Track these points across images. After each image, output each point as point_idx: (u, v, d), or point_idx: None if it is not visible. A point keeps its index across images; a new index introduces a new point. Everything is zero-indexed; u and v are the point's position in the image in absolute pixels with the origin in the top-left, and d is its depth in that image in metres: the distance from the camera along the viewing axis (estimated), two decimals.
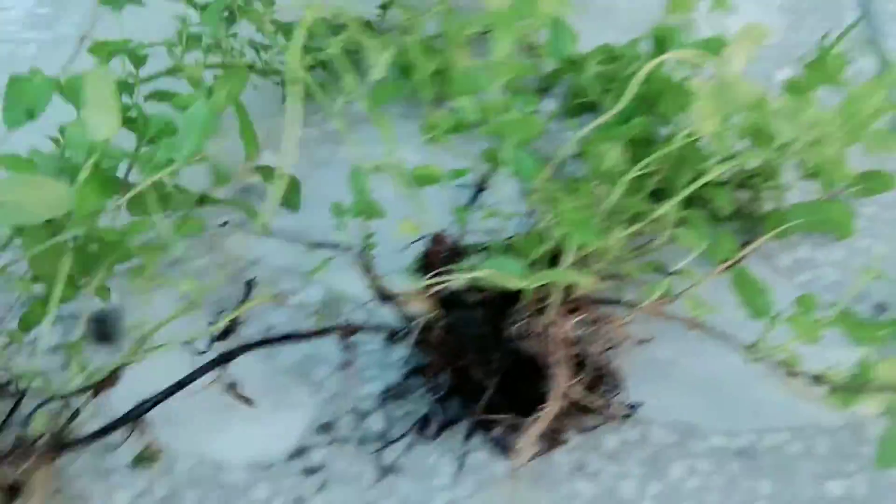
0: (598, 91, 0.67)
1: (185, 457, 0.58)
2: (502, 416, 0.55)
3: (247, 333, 0.61)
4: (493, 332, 0.53)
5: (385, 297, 0.58)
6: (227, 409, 0.59)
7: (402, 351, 0.61)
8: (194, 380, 0.47)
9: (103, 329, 0.60)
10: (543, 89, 0.74)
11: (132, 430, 0.46)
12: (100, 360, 0.55)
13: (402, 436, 0.57)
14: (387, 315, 0.58)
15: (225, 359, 0.48)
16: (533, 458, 0.57)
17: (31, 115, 0.52)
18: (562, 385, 0.48)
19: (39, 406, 0.46)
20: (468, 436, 0.59)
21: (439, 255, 0.54)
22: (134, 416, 0.46)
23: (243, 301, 0.53)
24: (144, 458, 0.46)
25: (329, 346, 0.62)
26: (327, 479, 0.57)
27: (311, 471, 0.57)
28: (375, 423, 0.59)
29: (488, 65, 0.58)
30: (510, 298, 0.53)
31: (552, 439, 0.57)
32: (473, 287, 0.53)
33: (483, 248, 0.54)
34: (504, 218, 0.59)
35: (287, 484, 0.57)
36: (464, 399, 0.57)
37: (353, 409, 0.60)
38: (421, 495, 0.57)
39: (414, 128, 0.64)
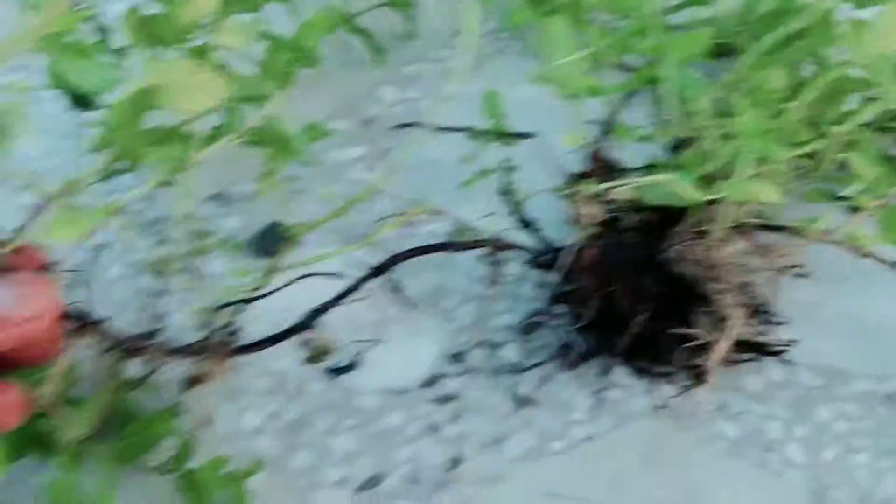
0: (734, 31, 0.65)
1: (314, 381, 0.56)
2: (649, 348, 0.53)
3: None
4: (647, 257, 0.51)
5: (526, 222, 0.56)
6: (359, 335, 0.58)
7: (533, 285, 0.60)
8: (360, 287, 0.45)
9: (265, 243, 0.59)
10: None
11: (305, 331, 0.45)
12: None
13: (540, 364, 0.55)
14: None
15: (386, 266, 0.46)
16: (675, 396, 0.56)
17: None
18: (733, 315, 0.45)
19: (219, 308, 0.46)
20: (605, 371, 0.57)
21: (595, 173, 0.52)
22: (308, 323, 0.44)
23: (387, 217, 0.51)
24: (319, 353, 0.45)
25: (458, 278, 0.60)
26: (461, 408, 0.55)
27: (444, 399, 0.56)
28: (509, 354, 0.58)
29: None
30: (667, 222, 0.51)
31: (696, 376, 0.55)
32: (630, 209, 0.51)
33: (641, 168, 0.52)
34: (656, 139, 0.57)
35: (421, 411, 0.55)
36: (606, 330, 0.55)
37: (484, 341, 0.58)
38: (558, 428, 0.55)
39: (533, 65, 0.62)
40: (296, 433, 0.54)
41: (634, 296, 0.52)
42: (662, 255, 0.51)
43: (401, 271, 0.60)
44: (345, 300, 0.45)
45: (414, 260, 0.60)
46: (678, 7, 0.70)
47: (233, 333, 0.46)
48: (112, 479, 0.48)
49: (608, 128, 0.65)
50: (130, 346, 0.38)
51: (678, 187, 0.45)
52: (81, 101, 0.42)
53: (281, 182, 0.53)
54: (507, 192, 0.55)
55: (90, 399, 0.47)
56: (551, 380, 0.57)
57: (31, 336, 0.34)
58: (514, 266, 0.61)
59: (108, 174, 0.42)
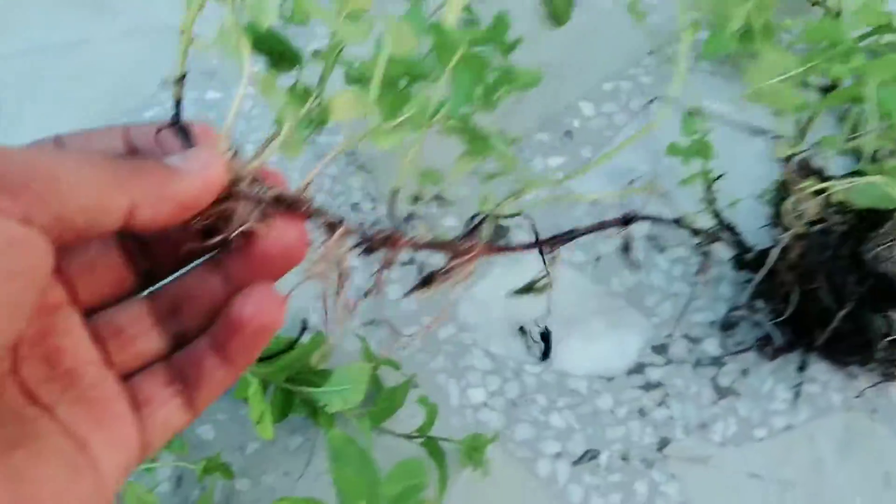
0: None
1: (529, 364, 0.63)
2: (847, 343, 0.57)
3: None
4: (850, 257, 0.55)
5: (726, 226, 0.61)
6: (567, 325, 0.64)
7: (730, 285, 0.65)
8: (608, 226, 0.50)
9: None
10: None
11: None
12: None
13: (740, 353, 0.60)
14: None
15: (629, 219, 0.50)
16: (870, 387, 0.59)
17: None
18: None
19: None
20: (803, 365, 0.61)
21: (800, 181, 0.56)
22: (564, 238, 0.48)
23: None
24: (539, 286, 0.50)
25: (658, 277, 0.66)
26: (667, 395, 0.61)
27: (650, 386, 0.61)
28: (709, 348, 0.63)
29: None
30: (869, 225, 0.55)
31: (892, 371, 0.58)
32: (835, 212, 0.55)
33: (847, 175, 0.56)
34: (854, 151, 0.61)
35: (628, 396, 0.61)
36: (805, 326, 0.59)
37: (686, 335, 0.63)
38: (758, 417, 0.59)
39: (721, 83, 0.67)
40: (516, 409, 0.61)
41: (836, 293, 0.56)
42: (865, 255, 0.54)
43: (606, 268, 0.67)
44: (589, 232, 0.49)
45: (615, 258, 0.67)
46: (869, 34, 0.73)
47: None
48: (368, 439, 0.56)
49: (800, 138, 0.69)
50: (380, 236, 0.37)
51: (890, 189, 0.49)
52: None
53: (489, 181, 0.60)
54: (709, 200, 0.60)
55: (356, 371, 0.56)
56: (751, 373, 0.61)
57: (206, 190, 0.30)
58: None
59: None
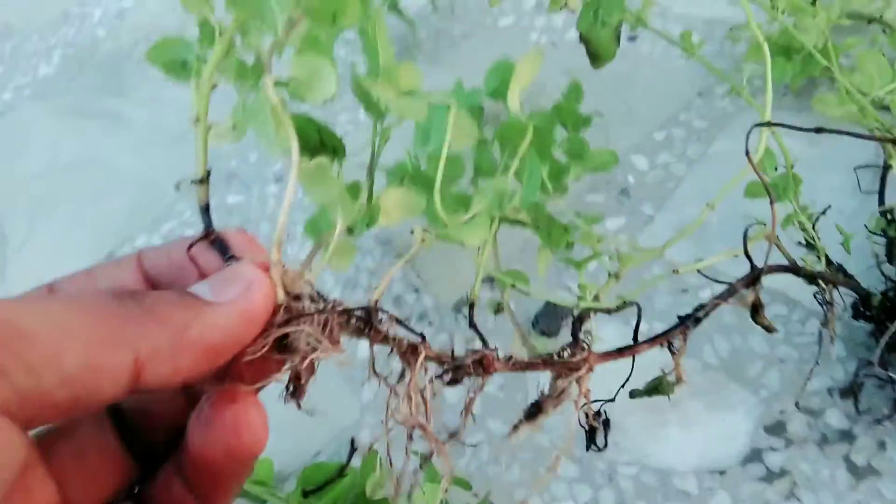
0: None
1: (623, 466, 0.54)
2: None
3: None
4: None
5: (840, 270, 0.52)
6: (659, 412, 0.55)
7: (843, 342, 0.55)
8: (735, 293, 0.41)
9: (545, 323, 0.59)
10: None
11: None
12: None
13: (876, 422, 0.50)
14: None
15: (755, 278, 0.42)
16: None
17: None
18: None
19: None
20: None
21: None
22: (686, 325, 0.40)
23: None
24: (665, 385, 0.41)
25: (757, 339, 0.57)
26: (795, 484, 0.51)
27: (773, 476, 0.51)
28: (832, 420, 0.53)
29: None
30: None
31: None
32: None
33: None
34: None
35: (749, 490, 0.51)
36: None
37: (802, 407, 0.53)
38: None
39: (784, 117, 0.60)
40: None
41: None
42: None
43: (694, 337, 0.57)
44: (716, 306, 0.41)
45: (709, 324, 0.58)
46: None
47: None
48: None
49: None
50: (471, 360, 0.30)
51: None
52: None
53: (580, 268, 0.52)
54: (813, 241, 0.52)
55: (425, 498, 0.47)
56: (889, 445, 0.51)
57: (240, 333, 0.23)
58: (812, 324, 0.57)
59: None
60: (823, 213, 0.51)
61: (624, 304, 0.43)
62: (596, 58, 0.49)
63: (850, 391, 0.52)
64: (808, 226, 0.51)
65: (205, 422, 0.24)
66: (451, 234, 0.37)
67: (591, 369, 0.35)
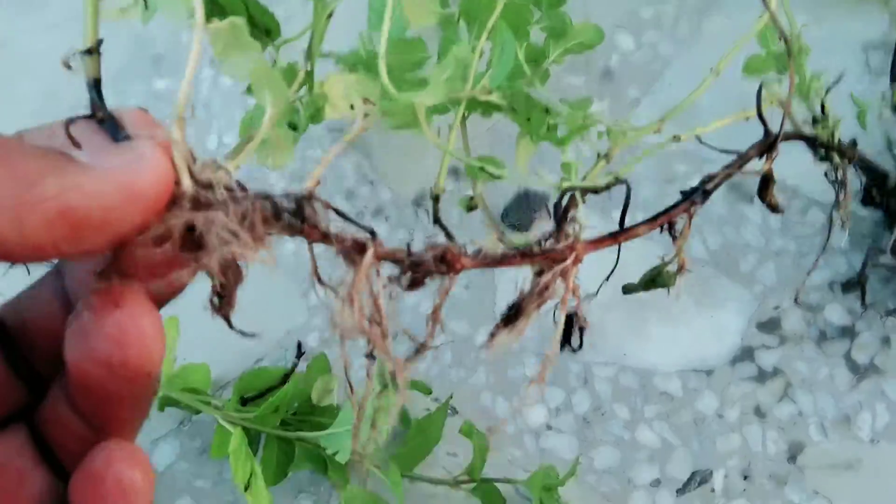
0: None
1: (600, 367, 0.48)
2: None
3: None
4: None
5: (853, 148, 0.46)
6: (640, 309, 0.49)
7: (848, 233, 0.50)
8: (748, 159, 0.35)
9: (517, 215, 0.53)
10: None
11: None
12: None
13: (882, 316, 0.45)
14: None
15: (771, 145, 0.36)
16: None
17: None
18: None
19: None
20: None
21: None
22: (689, 202, 0.34)
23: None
24: (666, 276, 0.35)
25: (751, 233, 0.51)
26: (789, 384, 0.46)
27: (765, 375, 0.46)
28: (832, 316, 0.47)
29: None
30: None
31: None
32: None
33: None
34: None
35: (739, 391, 0.46)
36: None
37: (800, 303, 0.48)
38: None
39: None
40: (591, 428, 0.46)
41: None
42: None
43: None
44: (726, 178, 0.34)
45: (698, 216, 0.52)
46: None
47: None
48: (398, 493, 0.41)
49: None
50: (432, 257, 0.25)
51: None
52: None
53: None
54: (822, 118, 0.45)
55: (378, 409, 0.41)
56: (894, 340, 0.46)
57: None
58: (814, 214, 0.51)
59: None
60: (837, 82, 0.45)
61: (615, 181, 0.37)
62: None
63: (855, 284, 0.47)
64: (820, 96, 0.45)
65: (81, 331, 0.19)
66: (402, 104, 0.30)
67: (578, 260, 0.29)
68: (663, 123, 0.42)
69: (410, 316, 0.51)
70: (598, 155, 0.40)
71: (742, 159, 0.33)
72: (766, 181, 0.36)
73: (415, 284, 0.26)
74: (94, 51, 0.22)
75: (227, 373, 0.50)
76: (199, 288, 0.22)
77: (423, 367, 0.49)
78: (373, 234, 0.23)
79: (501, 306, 0.50)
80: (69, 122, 0.20)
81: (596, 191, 0.37)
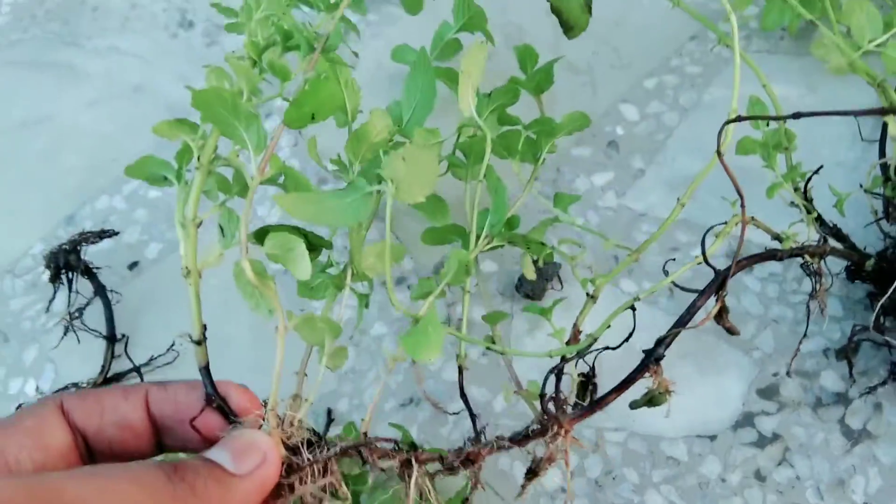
0: None
1: (611, 432, 0.52)
2: None
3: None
4: None
5: (832, 230, 0.49)
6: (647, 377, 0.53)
7: (840, 301, 0.53)
8: (698, 309, 0.40)
9: (528, 285, 0.56)
10: None
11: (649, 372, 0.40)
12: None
13: (872, 388, 0.48)
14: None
15: (721, 284, 0.41)
16: None
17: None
18: None
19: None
20: None
21: None
22: (653, 360, 0.39)
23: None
24: (658, 398, 0.40)
25: (750, 300, 0.54)
26: (787, 449, 0.49)
27: (765, 441, 0.49)
28: (828, 383, 0.51)
29: None
30: None
31: None
32: None
33: None
34: None
35: (740, 456, 0.49)
36: None
37: (796, 370, 0.51)
38: None
39: (783, 63, 0.56)
40: (603, 491, 0.49)
41: None
42: None
43: (684, 298, 0.55)
44: (686, 325, 0.40)
45: (700, 285, 0.55)
46: None
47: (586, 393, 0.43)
48: None
49: None
50: (456, 458, 0.35)
51: None
52: None
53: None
54: (806, 202, 0.49)
55: None
56: (885, 407, 0.49)
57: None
58: (807, 283, 0.55)
59: None
60: (816, 172, 0.48)
61: (587, 378, 0.44)
62: (569, 28, 0.46)
63: (843, 353, 0.50)
64: (801, 186, 0.48)
65: None
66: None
67: (567, 433, 0.38)
68: (639, 253, 0.45)
69: (434, 382, 0.55)
70: (588, 295, 0.45)
71: (691, 311, 0.40)
72: (721, 312, 0.41)
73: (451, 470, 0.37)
74: (201, 342, 0.29)
75: None
76: None
77: (444, 430, 0.53)
78: (416, 448, 0.33)
79: (517, 373, 0.54)
80: (200, 411, 0.29)
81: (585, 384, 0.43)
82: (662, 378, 0.40)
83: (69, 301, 0.58)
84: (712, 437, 0.50)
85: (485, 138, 0.43)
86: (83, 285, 0.59)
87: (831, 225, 0.50)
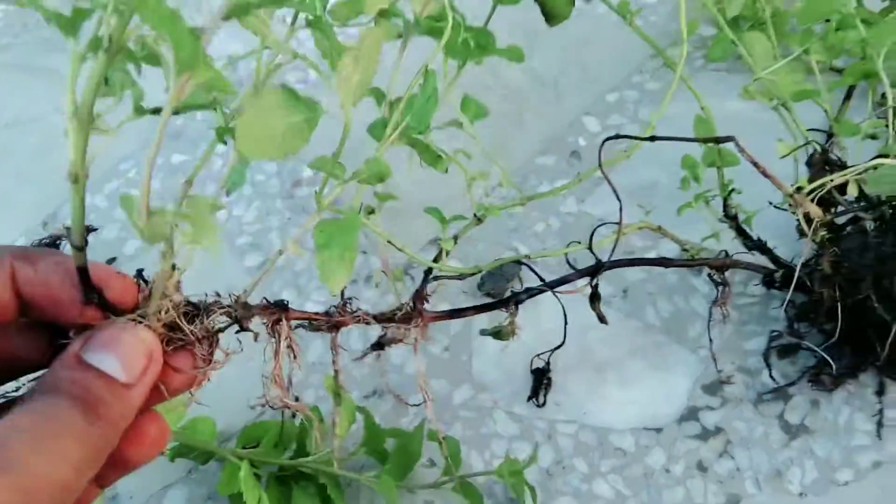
0: None
1: (563, 424, 0.54)
2: None
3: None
4: (894, 255, 0.46)
5: (754, 243, 0.52)
6: (600, 371, 0.55)
7: (781, 303, 0.56)
8: (569, 282, 0.44)
9: (491, 283, 0.59)
10: None
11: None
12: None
13: (790, 385, 0.52)
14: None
15: (598, 268, 0.44)
16: None
17: None
18: None
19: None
20: (881, 390, 0.51)
21: (819, 177, 0.48)
22: (513, 301, 0.45)
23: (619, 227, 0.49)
24: (504, 332, 0.45)
25: (699, 302, 0.57)
26: (729, 442, 0.51)
27: (707, 434, 0.52)
28: (769, 379, 0.53)
29: None
30: None
31: None
32: (864, 208, 0.47)
33: (867, 162, 0.47)
34: (881, 135, 0.52)
35: (684, 448, 0.52)
36: (862, 342, 0.50)
37: (740, 367, 0.54)
38: (840, 456, 0.50)
39: (739, 81, 0.60)
40: (553, 479, 0.52)
41: (888, 300, 0.47)
42: None
43: (637, 298, 0.58)
44: (547, 289, 0.44)
45: (652, 286, 0.58)
46: None
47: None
48: (393, 495, 0.47)
49: (829, 130, 0.61)
50: (324, 322, 0.36)
51: None
52: None
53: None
54: (730, 215, 0.52)
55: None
56: (822, 404, 0.52)
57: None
58: (753, 287, 0.57)
59: None
60: (731, 191, 0.51)
61: (473, 272, 0.47)
62: (551, 16, 0.48)
63: (792, 350, 0.53)
64: (724, 200, 0.52)
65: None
66: None
67: (425, 325, 0.40)
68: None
69: (397, 376, 0.57)
70: (475, 215, 0.47)
71: (562, 281, 0.43)
72: (593, 297, 0.46)
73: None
74: (82, 248, 0.28)
75: (229, 426, 0.56)
76: None
77: (406, 421, 0.55)
78: (285, 307, 0.33)
79: (476, 366, 0.56)
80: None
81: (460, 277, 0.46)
82: (514, 320, 0.44)
83: None
84: (658, 430, 0.53)
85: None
86: None
87: (756, 239, 0.53)
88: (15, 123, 0.74)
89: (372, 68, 0.31)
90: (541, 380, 0.56)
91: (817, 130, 0.64)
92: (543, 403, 0.54)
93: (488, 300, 0.60)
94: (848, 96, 0.63)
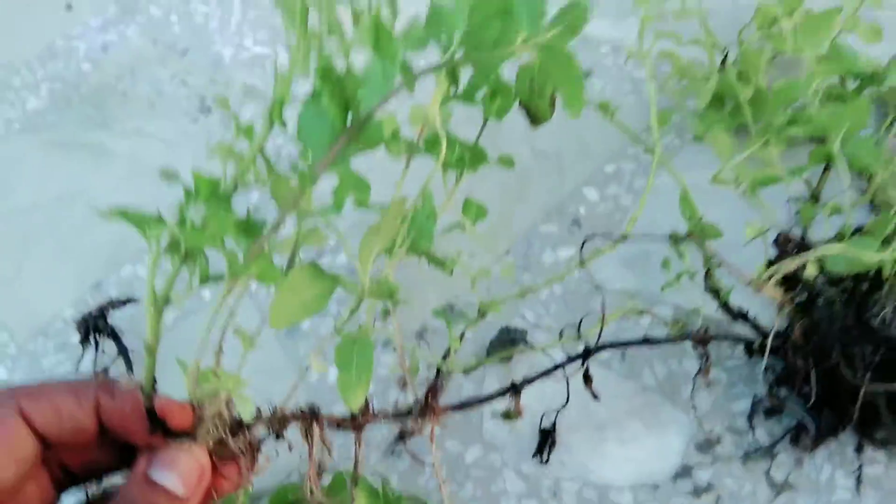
0: None
1: (567, 482, 0.59)
2: (882, 417, 0.52)
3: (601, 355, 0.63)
4: (857, 325, 0.51)
5: (735, 314, 0.57)
6: (601, 430, 0.60)
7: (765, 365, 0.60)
8: (561, 367, 0.52)
9: (499, 347, 0.64)
10: None
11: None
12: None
13: (775, 446, 0.56)
14: (743, 331, 0.58)
15: (587, 354, 0.51)
16: None
17: None
18: None
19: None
20: (859, 448, 0.56)
21: (787, 254, 0.53)
22: (510, 390, 0.52)
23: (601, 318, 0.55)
24: (512, 414, 0.53)
25: (691, 363, 0.62)
26: (719, 497, 0.56)
27: (700, 490, 0.57)
28: (760, 438, 0.58)
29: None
30: (870, 289, 0.51)
31: None
32: (827, 282, 0.52)
33: (830, 240, 0.52)
34: (845, 212, 0.57)
35: (677, 503, 0.56)
36: (838, 405, 0.54)
37: (730, 427, 0.59)
38: None
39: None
40: None
41: (853, 365, 0.52)
42: (871, 321, 0.50)
43: (635, 361, 0.63)
44: (544, 377, 0.52)
45: (648, 349, 0.63)
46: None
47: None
48: None
49: (799, 208, 0.66)
50: (349, 424, 0.43)
51: (860, 253, 0.46)
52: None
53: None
54: (713, 289, 0.57)
55: None
56: (805, 462, 0.56)
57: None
58: (741, 350, 0.62)
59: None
60: (710, 267, 0.56)
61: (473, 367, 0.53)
62: (534, 120, 0.54)
63: (776, 410, 0.57)
64: (706, 273, 0.57)
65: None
66: None
67: (437, 419, 0.48)
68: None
69: (414, 437, 0.62)
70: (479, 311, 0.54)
71: (555, 367, 0.51)
72: (586, 379, 0.55)
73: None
74: (149, 396, 0.35)
75: (259, 489, 0.61)
76: None
77: (421, 480, 0.60)
78: (317, 413, 0.40)
79: (488, 427, 0.61)
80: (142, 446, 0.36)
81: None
82: (517, 403, 0.54)
83: (95, 361, 0.66)
84: (655, 486, 0.57)
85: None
86: (108, 347, 0.67)
87: (738, 309, 0.57)
88: (59, 198, 0.80)
89: (390, 236, 0.37)
90: (546, 438, 0.60)
91: (799, 199, 0.69)
92: (547, 461, 0.59)
93: (498, 354, 0.66)
94: (827, 167, 0.67)
